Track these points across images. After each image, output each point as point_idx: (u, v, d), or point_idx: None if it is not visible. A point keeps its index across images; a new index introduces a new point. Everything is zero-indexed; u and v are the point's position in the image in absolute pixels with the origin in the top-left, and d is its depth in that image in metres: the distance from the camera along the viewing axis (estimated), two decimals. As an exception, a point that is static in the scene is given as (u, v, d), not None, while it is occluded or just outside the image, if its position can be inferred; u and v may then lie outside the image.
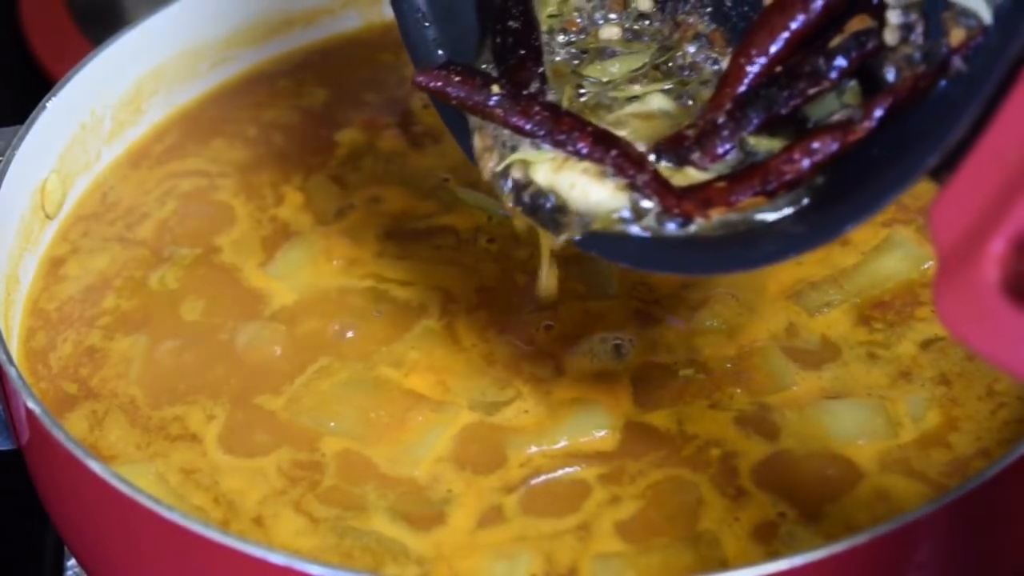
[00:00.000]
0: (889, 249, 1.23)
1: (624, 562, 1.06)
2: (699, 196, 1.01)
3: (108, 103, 1.34)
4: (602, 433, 1.13)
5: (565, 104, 1.08)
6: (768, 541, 1.07)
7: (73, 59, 1.33)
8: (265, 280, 1.25)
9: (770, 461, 1.11)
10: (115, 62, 1.33)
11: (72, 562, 1.26)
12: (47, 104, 1.28)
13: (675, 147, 1.03)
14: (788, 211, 1.00)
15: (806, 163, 0.99)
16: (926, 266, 1.22)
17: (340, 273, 1.25)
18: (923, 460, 1.11)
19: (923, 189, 1.27)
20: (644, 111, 1.07)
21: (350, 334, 1.20)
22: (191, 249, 1.28)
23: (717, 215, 1.01)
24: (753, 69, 1.03)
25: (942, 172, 0.92)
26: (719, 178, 1.02)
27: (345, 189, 1.32)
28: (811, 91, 1.01)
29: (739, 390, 1.15)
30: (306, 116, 1.39)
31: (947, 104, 0.95)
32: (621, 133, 1.05)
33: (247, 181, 1.33)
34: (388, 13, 1.44)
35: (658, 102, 1.07)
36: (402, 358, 1.19)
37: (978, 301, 0.85)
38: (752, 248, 1.00)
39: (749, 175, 1.01)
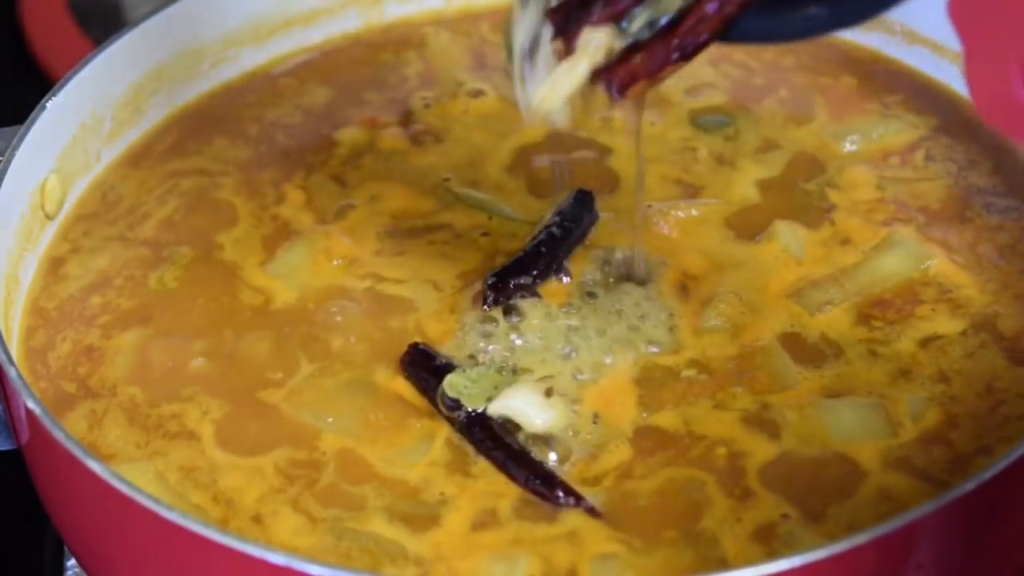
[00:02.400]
0: (889, 248, 1.23)
1: (623, 563, 1.06)
2: (625, 70, 1.00)
3: (108, 103, 1.33)
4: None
5: None
6: (768, 541, 1.07)
7: (73, 59, 1.33)
8: (265, 279, 1.25)
9: (777, 461, 1.11)
10: (115, 62, 1.33)
11: (72, 562, 1.26)
12: (47, 104, 1.27)
13: None
14: None
15: (716, 17, 0.99)
16: (926, 265, 1.22)
17: (340, 272, 1.25)
18: (925, 458, 1.11)
19: (924, 188, 1.28)
20: None
21: (350, 335, 1.20)
22: (191, 248, 1.27)
23: (643, 88, 1.00)
24: None
25: None
26: (631, 49, 1.00)
27: (346, 188, 1.32)
28: None
29: (741, 389, 1.15)
30: (307, 115, 1.39)
31: None
32: None
33: (248, 180, 1.33)
34: (388, 13, 1.45)
35: None
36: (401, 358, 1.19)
37: (1010, 108, 0.89)
38: (786, 23, 1.02)
39: (663, 42, 1.00)
